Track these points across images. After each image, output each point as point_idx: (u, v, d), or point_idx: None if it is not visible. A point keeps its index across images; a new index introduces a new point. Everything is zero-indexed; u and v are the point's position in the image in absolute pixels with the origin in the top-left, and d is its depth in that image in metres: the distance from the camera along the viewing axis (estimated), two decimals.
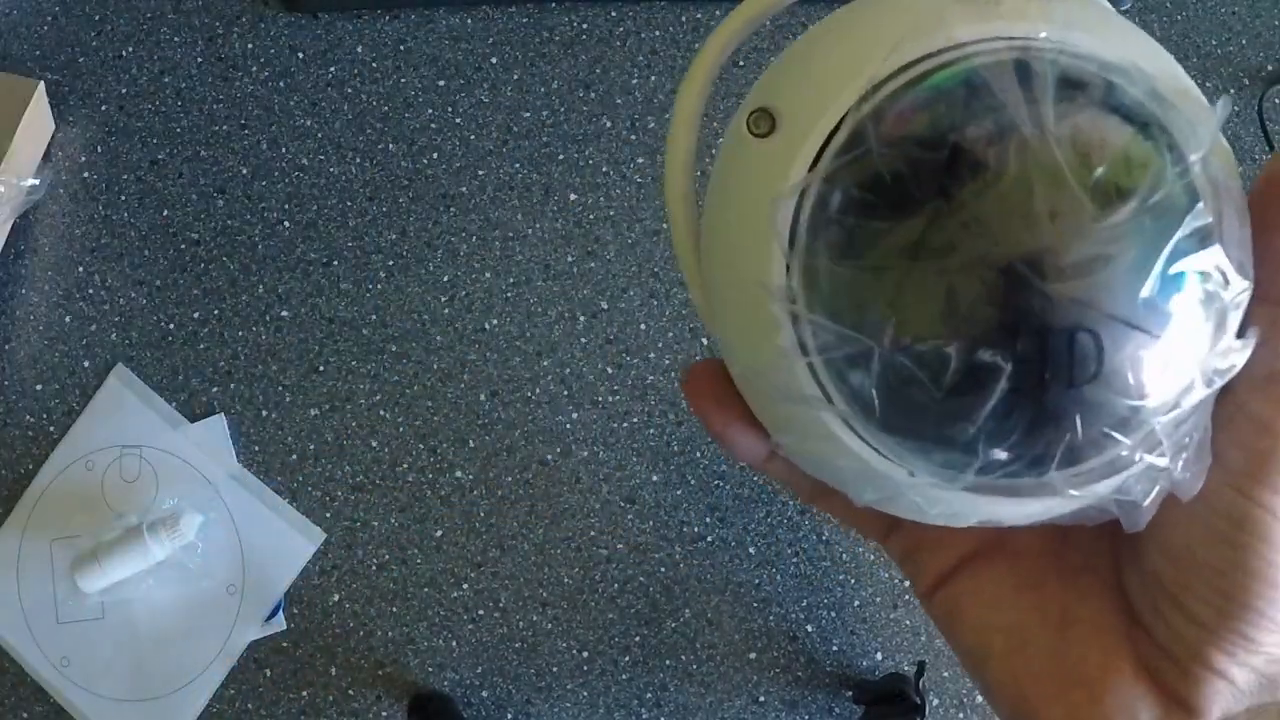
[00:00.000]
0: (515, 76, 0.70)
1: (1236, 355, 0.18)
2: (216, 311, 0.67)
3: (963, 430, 0.17)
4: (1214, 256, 0.17)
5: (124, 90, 0.69)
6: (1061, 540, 0.24)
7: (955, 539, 0.24)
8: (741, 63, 0.71)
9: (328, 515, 0.65)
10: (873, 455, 0.18)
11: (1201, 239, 0.17)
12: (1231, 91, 0.73)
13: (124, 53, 0.69)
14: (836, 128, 0.17)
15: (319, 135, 0.69)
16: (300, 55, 0.70)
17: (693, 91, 0.21)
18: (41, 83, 0.65)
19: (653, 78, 0.71)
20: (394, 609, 0.65)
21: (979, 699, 0.66)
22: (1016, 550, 0.24)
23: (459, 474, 0.66)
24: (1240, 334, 0.18)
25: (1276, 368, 0.19)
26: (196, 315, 0.67)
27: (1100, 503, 0.19)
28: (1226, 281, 0.17)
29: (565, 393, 0.67)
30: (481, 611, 0.65)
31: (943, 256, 0.16)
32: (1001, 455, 0.17)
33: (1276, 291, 0.19)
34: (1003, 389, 0.17)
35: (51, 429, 0.65)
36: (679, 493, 0.66)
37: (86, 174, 0.68)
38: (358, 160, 0.69)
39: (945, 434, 0.17)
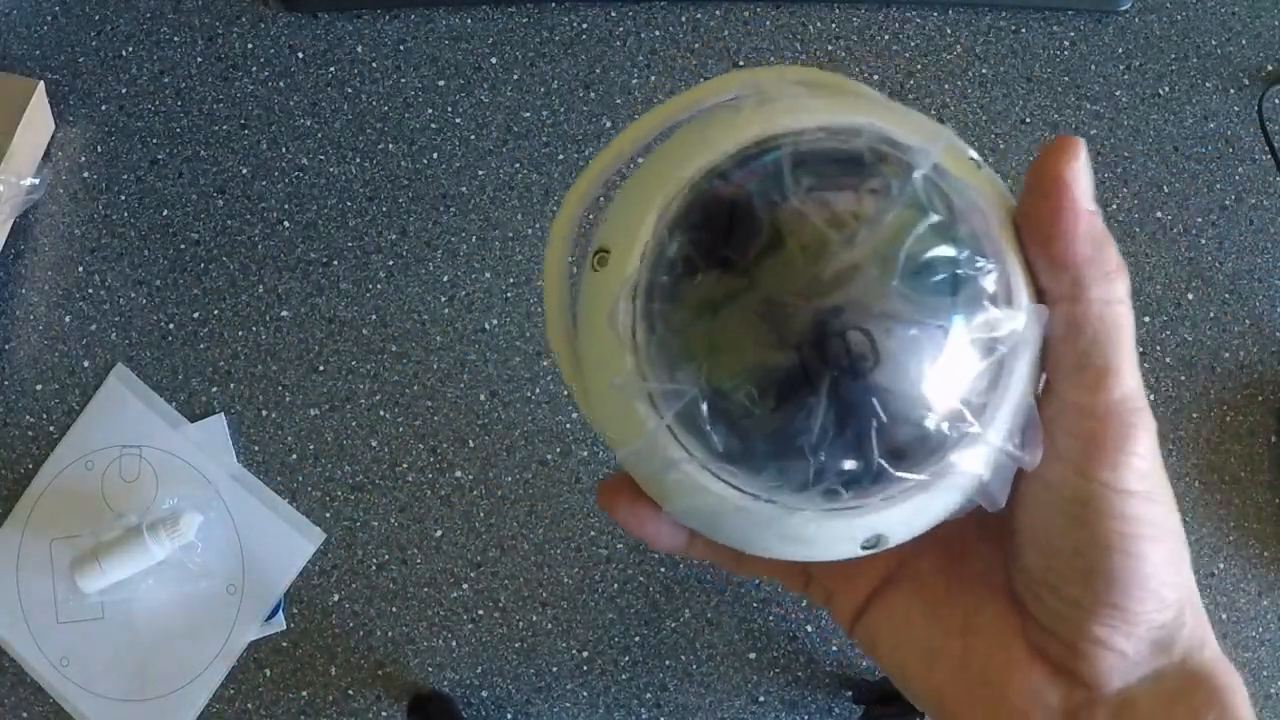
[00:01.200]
0: (515, 76, 0.70)
1: (1008, 323, 0.21)
2: (216, 311, 0.67)
3: (789, 440, 0.20)
4: (954, 248, 0.21)
5: (124, 90, 0.69)
6: (958, 556, 0.26)
7: (863, 576, 0.27)
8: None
9: (328, 515, 0.65)
10: (736, 494, 0.22)
11: (940, 236, 0.21)
12: (1232, 91, 0.73)
13: (124, 53, 0.69)
14: (649, 242, 0.22)
15: (319, 135, 0.69)
16: (300, 55, 0.70)
17: (557, 248, 0.26)
18: (41, 83, 0.65)
19: (653, 78, 0.71)
20: (394, 609, 0.65)
21: None
22: (918, 573, 0.26)
23: (459, 474, 0.66)
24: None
25: (1080, 359, 0.22)
26: (196, 315, 0.67)
27: (963, 494, 0.22)
28: (977, 266, 0.21)
29: (565, 393, 0.67)
30: (481, 611, 0.65)
31: (731, 304, 0.20)
32: (832, 460, 0.20)
33: (1061, 293, 0.22)
34: (802, 395, 0.20)
35: (51, 429, 0.65)
36: None
37: (86, 174, 0.68)
38: (358, 160, 0.69)
39: (779, 449, 0.21)
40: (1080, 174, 0.21)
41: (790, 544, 0.22)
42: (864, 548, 0.23)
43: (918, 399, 0.20)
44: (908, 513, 0.22)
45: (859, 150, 0.21)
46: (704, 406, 0.20)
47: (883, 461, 0.20)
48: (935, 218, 0.21)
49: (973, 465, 0.21)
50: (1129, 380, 0.22)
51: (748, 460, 0.21)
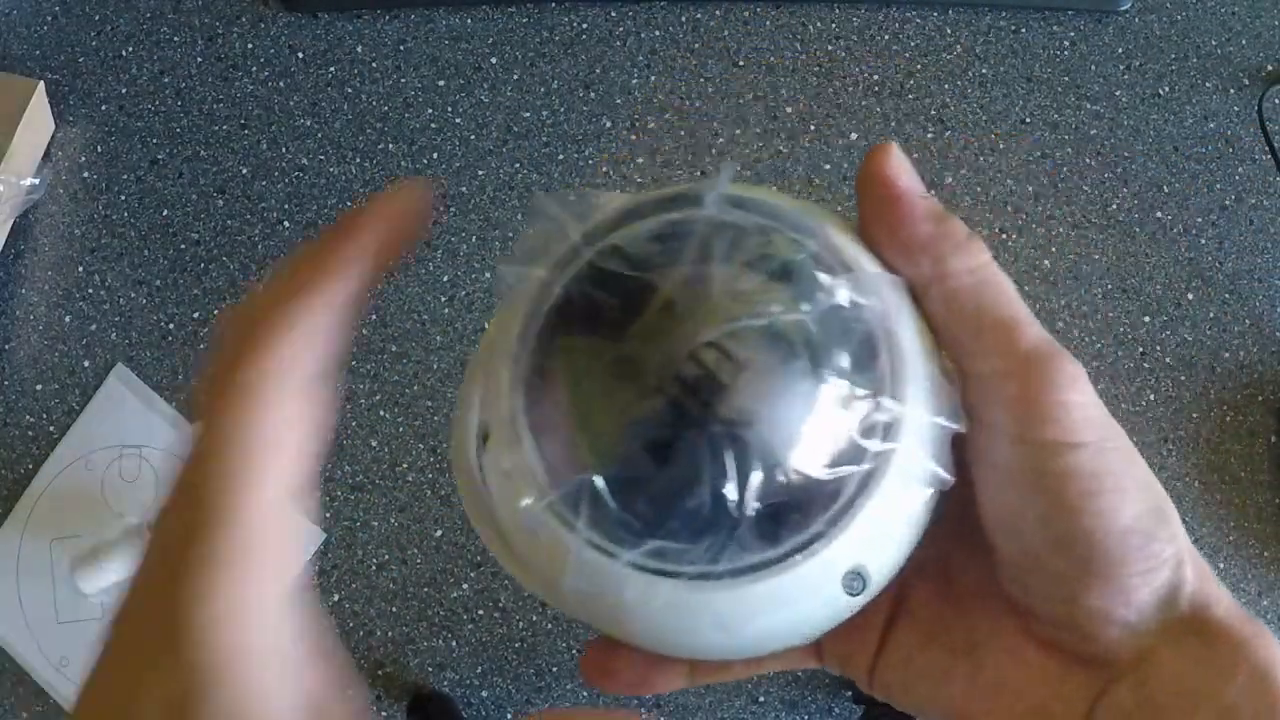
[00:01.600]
0: (515, 76, 0.70)
1: (853, 289, 0.21)
2: (216, 311, 0.67)
3: (695, 487, 0.19)
4: (767, 236, 0.21)
5: (124, 90, 0.69)
6: (946, 580, 0.26)
7: (869, 626, 0.26)
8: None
9: (328, 515, 0.65)
10: (682, 585, 0.20)
11: (752, 234, 0.21)
12: (1232, 91, 0.73)
13: (124, 53, 0.69)
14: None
15: (319, 135, 0.69)
16: (300, 55, 0.70)
17: (462, 479, 0.25)
18: (41, 83, 0.65)
19: (653, 78, 0.71)
20: (394, 609, 0.65)
21: None
22: (911, 609, 0.26)
23: None
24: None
25: (974, 328, 0.21)
26: (196, 315, 0.67)
27: (913, 486, 0.21)
28: (797, 246, 0.21)
29: None
30: (481, 611, 0.65)
31: (587, 379, 0.20)
32: (747, 489, 0.19)
33: (925, 276, 0.22)
34: (680, 433, 0.19)
35: (51, 429, 0.65)
36: None
37: (86, 174, 0.68)
38: (358, 160, 0.69)
39: (692, 500, 0.19)
40: (901, 169, 0.22)
41: (773, 616, 0.21)
42: (851, 594, 0.21)
43: (797, 391, 0.20)
44: (866, 531, 0.20)
45: (646, 212, 0.22)
46: (600, 487, 0.19)
47: (797, 468, 0.19)
48: (740, 223, 0.21)
49: (905, 444, 0.20)
50: (1032, 329, 0.21)
51: (672, 525, 0.20)
